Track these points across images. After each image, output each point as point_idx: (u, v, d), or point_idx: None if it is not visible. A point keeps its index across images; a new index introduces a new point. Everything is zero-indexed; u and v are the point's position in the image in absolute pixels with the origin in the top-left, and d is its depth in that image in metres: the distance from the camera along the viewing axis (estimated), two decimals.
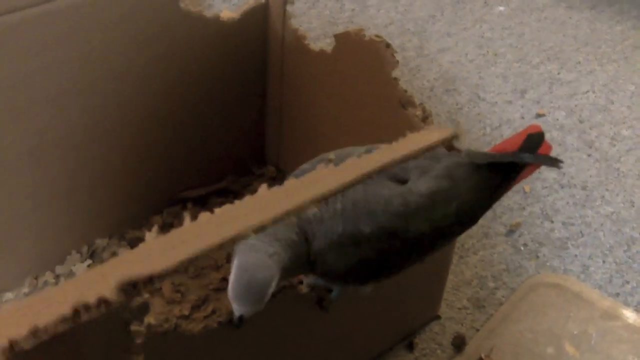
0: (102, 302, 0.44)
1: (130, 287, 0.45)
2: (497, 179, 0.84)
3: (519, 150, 0.87)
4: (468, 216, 0.84)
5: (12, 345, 0.42)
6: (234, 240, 0.51)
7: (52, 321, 0.43)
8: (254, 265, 0.70)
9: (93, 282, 0.47)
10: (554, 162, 0.87)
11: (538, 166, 0.92)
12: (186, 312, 1.10)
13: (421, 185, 0.79)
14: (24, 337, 0.43)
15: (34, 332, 0.43)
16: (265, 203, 0.58)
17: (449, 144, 0.57)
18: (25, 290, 1.16)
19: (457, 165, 0.81)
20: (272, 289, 0.71)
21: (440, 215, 0.80)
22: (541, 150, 0.88)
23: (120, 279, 0.45)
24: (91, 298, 0.44)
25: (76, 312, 0.44)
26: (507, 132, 1.48)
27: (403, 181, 0.80)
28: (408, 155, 0.55)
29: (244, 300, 0.70)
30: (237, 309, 0.71)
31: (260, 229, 0.53)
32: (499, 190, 0.86)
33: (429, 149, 0.56)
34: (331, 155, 0.79)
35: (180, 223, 0.53)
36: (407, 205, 0.77)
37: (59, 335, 0.43)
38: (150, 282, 0.46)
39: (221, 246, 0.50)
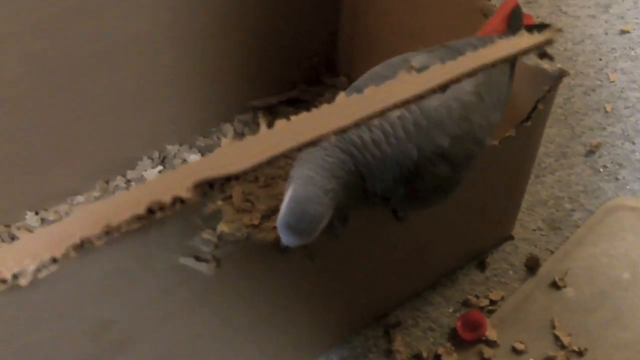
0: (177, 200, 0.43)
1: (207, 187, 0.44)
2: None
3: (510, 29, 0.85)
4: (504, 103, 0.84)
5: (84, 242, 0.41)
6: (312, 146, 0.49)
7: (126, 220, 0.42)
8: (308, 200, 0.68)
9: (167, 184, 0.46)
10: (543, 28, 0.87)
11: None
12: (256, 222, 1.10)
13: (464, 83, 0.77)
14: (96, 235, 0.42)
15: (107, 231, 0.42)
16: (343, 111, 0.55)
17: (542, 51, 0.53)
18: (96, 193, 1.18)
19: None
20: (322, 225, 0.69)
21: (490, 106, 0.79)
22: (525, 22, 0.87)
23: (197, 178, 0.43)
24: (166, 197, 0.43)
25: (150, 211, 0.43)
26: (590, 48, 1.42)
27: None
28: (499, 61, 0.52)
29: (293, 233, 0.69)
30: (284, 239, 0.70)
31: (339, 133, 0.51)
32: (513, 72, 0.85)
33: (522, 54, 0.53)
34: (414, 62, 0.75)
35: (250, 131, 0.51)
36: (465, 106, 0.76)
37: (130, 234, 0.42)
38: (227, 182, 0.44)
39: (300, 150, 0.48)
